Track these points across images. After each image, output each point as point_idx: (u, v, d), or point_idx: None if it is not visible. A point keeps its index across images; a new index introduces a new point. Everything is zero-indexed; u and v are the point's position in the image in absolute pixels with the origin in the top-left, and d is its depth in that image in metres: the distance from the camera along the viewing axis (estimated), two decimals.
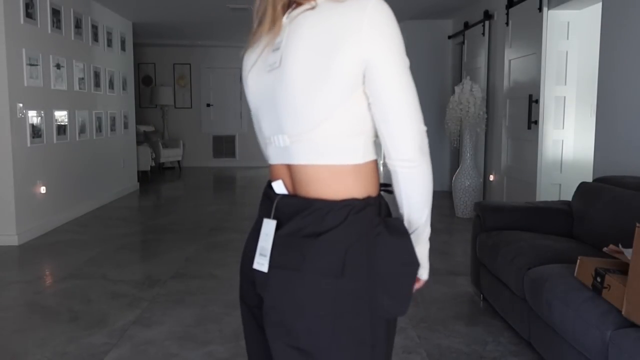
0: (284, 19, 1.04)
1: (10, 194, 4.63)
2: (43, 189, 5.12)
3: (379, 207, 1.04)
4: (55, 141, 5.37)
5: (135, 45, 8.42)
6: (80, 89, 5.95)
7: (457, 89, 5.70)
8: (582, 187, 3.22)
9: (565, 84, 4.78)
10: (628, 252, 2.02)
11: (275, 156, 1.09)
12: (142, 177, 8.60)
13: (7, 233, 4.65)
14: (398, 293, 1.04)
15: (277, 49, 1.03)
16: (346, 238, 0.99)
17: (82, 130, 6.01)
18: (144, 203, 7.15)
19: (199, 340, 2.77)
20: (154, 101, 10.51)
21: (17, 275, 3.94)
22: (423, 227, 1.10)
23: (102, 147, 6.61)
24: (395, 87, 0.98)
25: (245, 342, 1.24)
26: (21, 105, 4.74)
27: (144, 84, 10.98)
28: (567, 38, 4.73)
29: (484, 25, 6.09)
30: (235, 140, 11.27)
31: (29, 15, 4.87)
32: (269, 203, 1.09)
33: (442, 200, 6.60)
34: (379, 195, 1.07)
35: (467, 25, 6.74)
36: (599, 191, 3.04)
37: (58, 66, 5.41)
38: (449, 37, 7.56)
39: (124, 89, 7.43)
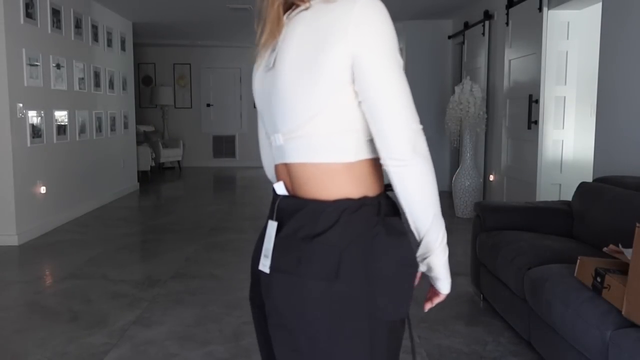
0: (284, 20, 1.06)
1: (10, 194, 4.63)
2: (43, 189, 5.12)
3: (378, 207, 1.03)
4: (55, 141, 5.37)
5: (135, 45, 8.42)
6: (80, 89, 5.95)
7: (457, 89, 5.70)
8: (582, 187, 3.22)
9: (565, 84, 4.78)
10: (628, 252, 2.02)
11: (276, 156, 1.10)
12: (142, 177, 8.60)
13: (7, 233, 4.65)
14: (397, 295, 1.02)
15: (274, 49, 1.05)
16: (341, 240, 0.98)
17: (82, 130, 6.01)
18: (144, 203, 7.16)
19: (199, 340, 2.77)
20: (154, 101, 10.51)
21: (17, 275, 3.94)
22: (431, 232, 1.04)
23: (102, 147, 6.61)
24: (384, 84, 0.97)
25: (258, 343, 1.23)
26: (21, 105, 4.74)
27: (144, 84, 10.98)
28: (567, 38, 4.73)
29: (484, 25, 6.09)
30: (235, 140, 11.28)
31: (29, 15, 4.87)
32: (272, 204, 1.10)
33: (442, 200, 6.50)
34: (381, 195, 1.05)
35: (467, 25, 6.74)
36: (599, 191, 3.03)
37: (58, 66, 5.41)
38: (449, 37, 7.56)
39: (124, 89, 7.43)
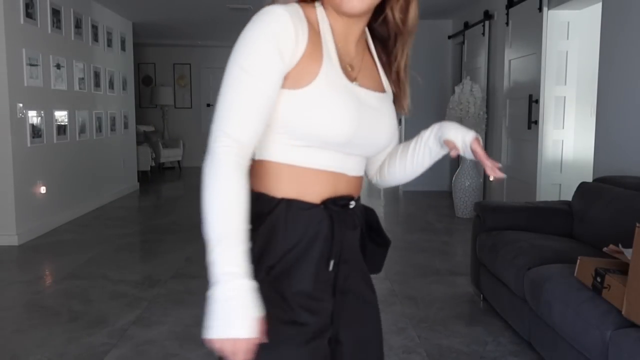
0: None
1: (10, 194, 4.63)
2: (43, 189, 5.12)
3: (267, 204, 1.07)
4: (55, 141, 5.37)
5: (135, 45, 8.42)
6: (80, 89, 5.95)
7: (457, 89, 5.70)
8: (582, 187, 3.22)
9: (565, 84, 4.78)
10: (628, 252, 2.02)
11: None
12: (142, 177, 8.59)
13: (7, 233, 4.65)
14: None
15: None
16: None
17: (82, 130, 6.01)
18: (144, 203, 7.16)
19: (199, 340, 2.76)
20: (154, 101, 10.51)
21: (17, 275, 3.94)
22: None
23: (102, 147, 6.61)
24: (222, 85, 1.03)
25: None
26: (21, 105, 4.74)
27: (144, 84, 10.98)
28: (567, 38, 4.74)
29: (484, 25, 6.09)
30: None
31: (29, 15, 4.87)
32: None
33: (442, 200, 6.60)
34: (262, 194, 1.08)
35: (467, 25, 6.74)
36: (599, 191, 3.04)
37: (58, 66, 5.41)
38: (449, 37, 7.56)
39: (124, 89, 7.43)
